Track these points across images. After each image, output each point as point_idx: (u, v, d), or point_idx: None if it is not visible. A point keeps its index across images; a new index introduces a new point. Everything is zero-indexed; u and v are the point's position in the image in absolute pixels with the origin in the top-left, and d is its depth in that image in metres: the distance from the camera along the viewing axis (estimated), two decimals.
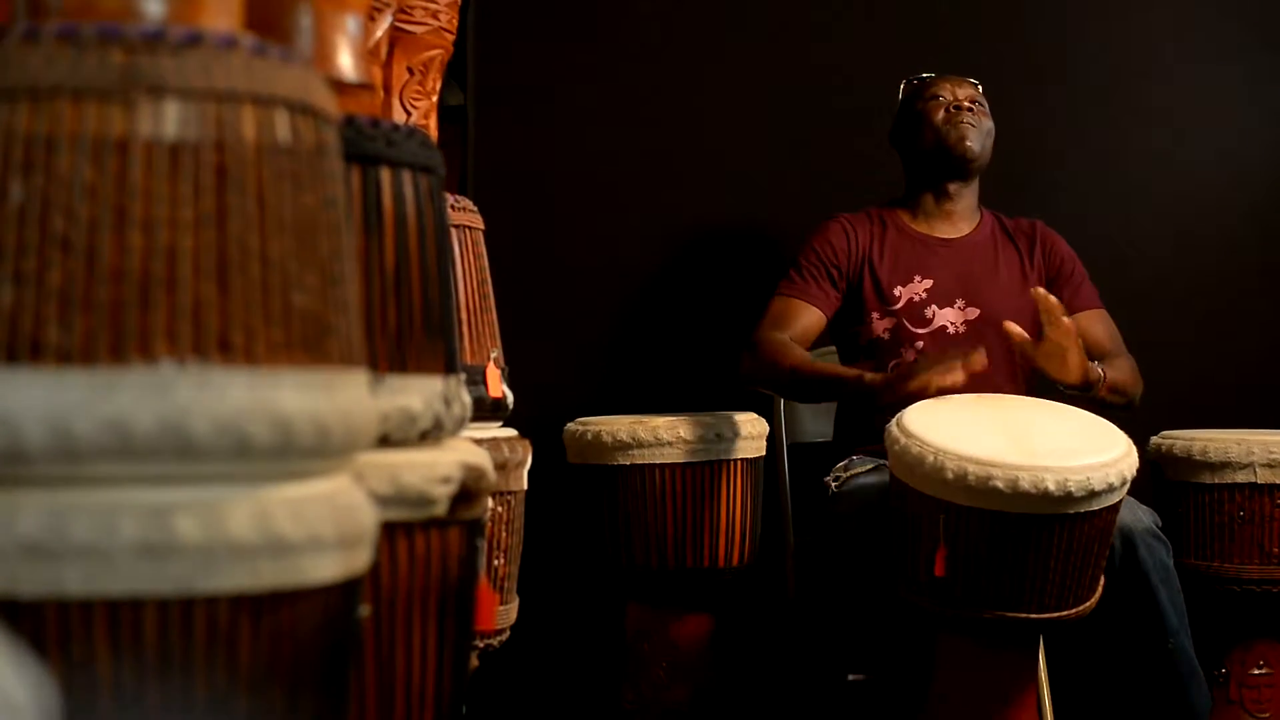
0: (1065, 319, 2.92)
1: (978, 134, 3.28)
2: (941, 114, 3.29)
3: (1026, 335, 2.94)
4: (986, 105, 3.34)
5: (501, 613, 2.61)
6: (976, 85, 3.36)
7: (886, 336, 3.25)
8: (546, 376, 3.75)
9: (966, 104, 3.29)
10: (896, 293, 3.27)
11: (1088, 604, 2.68)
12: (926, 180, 3.36)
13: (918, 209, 3.37)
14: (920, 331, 3.24)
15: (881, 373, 3.04)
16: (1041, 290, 2.94)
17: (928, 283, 3.27)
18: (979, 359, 2.83)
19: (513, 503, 2.62)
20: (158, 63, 1.18)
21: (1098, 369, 3.03)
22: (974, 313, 3.25)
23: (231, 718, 1.17)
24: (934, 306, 3.25)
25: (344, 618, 1.29)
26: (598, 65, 3.97)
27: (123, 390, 1.13)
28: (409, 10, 2.52)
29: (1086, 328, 3.28)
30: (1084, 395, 2.98)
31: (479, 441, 2.16)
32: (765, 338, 3.21)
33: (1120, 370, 3.14)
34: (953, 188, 3.33)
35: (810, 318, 3.26)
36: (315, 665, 1.24)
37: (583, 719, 3.78)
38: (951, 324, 3.24)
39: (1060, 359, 2.92)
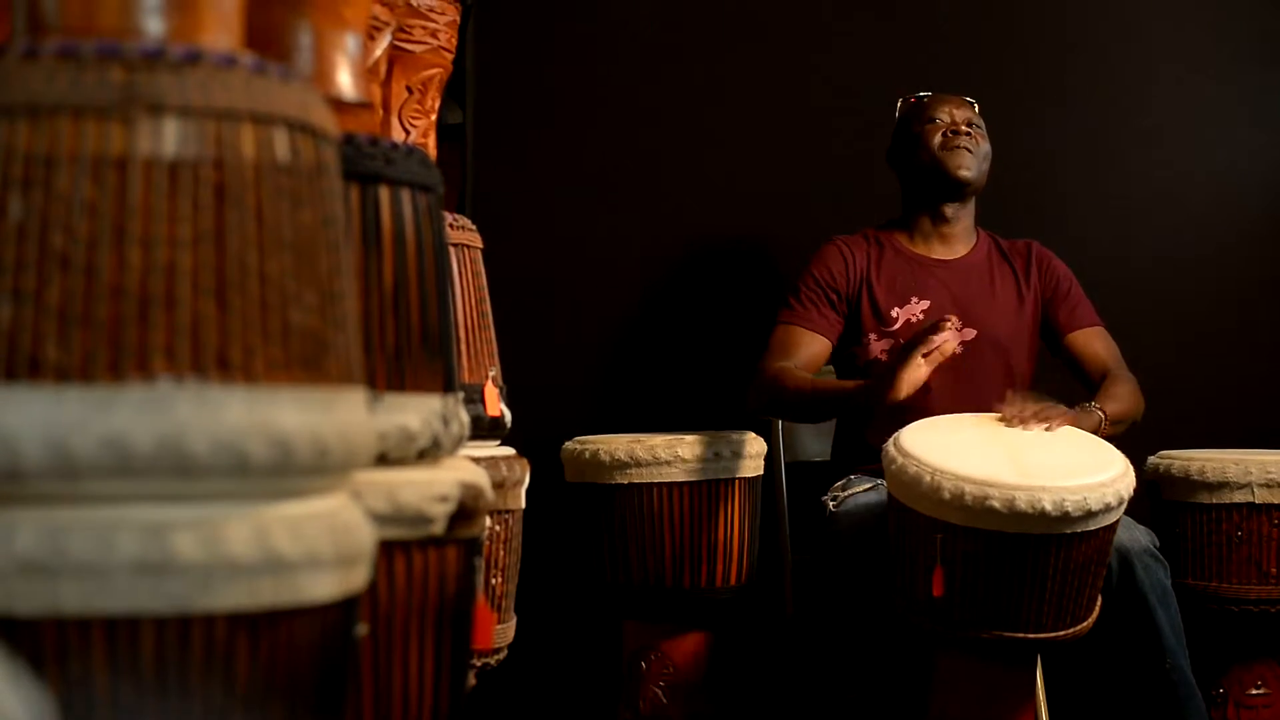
0: (1046, 412, 2.91)
1: (974, 159, 3.28)
2: (939, 138, 3.28)
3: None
4: (984, 126, 3.34)
5: (499, 631, 2.61)
6: (974, 105, 3.36)
7: (884, 358, 3.25)
8: (544, 395, 3.75)
9: (964, 128, 3.28)
10: (894, 314, 3.27)
11: (1085, 624, 2.68)
12: (923, 202, 3.35)
13: (915, 230, 3.37)
14: None
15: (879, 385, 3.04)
16: (1012, 399, 2.91)
17: (925, 304, 3.27)
18: (952, 323, 2.86)
19: (510, 521, 2.62)
20: (157, 81, 1.18)
21: (1095, 412, 3.02)
22: (970, 333, 3.25)
23: None
24: None
25: (341, 636, 1.29)
26: (596, 84, 3.98)
27: (121, 408, 1.13)
28: (408, 29, 2.53)
29: (1086, 345, 3.28)
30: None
31: (477, 460, 2.16)
32: (769, 369, 3.20)
33: (1120, 399, 3.12)
34: (949, 210, 3.33)
35: (815, 345, 3.26)
36: (312, 683, 1.24)
37: None
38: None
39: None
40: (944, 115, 3.31)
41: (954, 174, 3.26)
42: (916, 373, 2.87)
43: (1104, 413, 3.03)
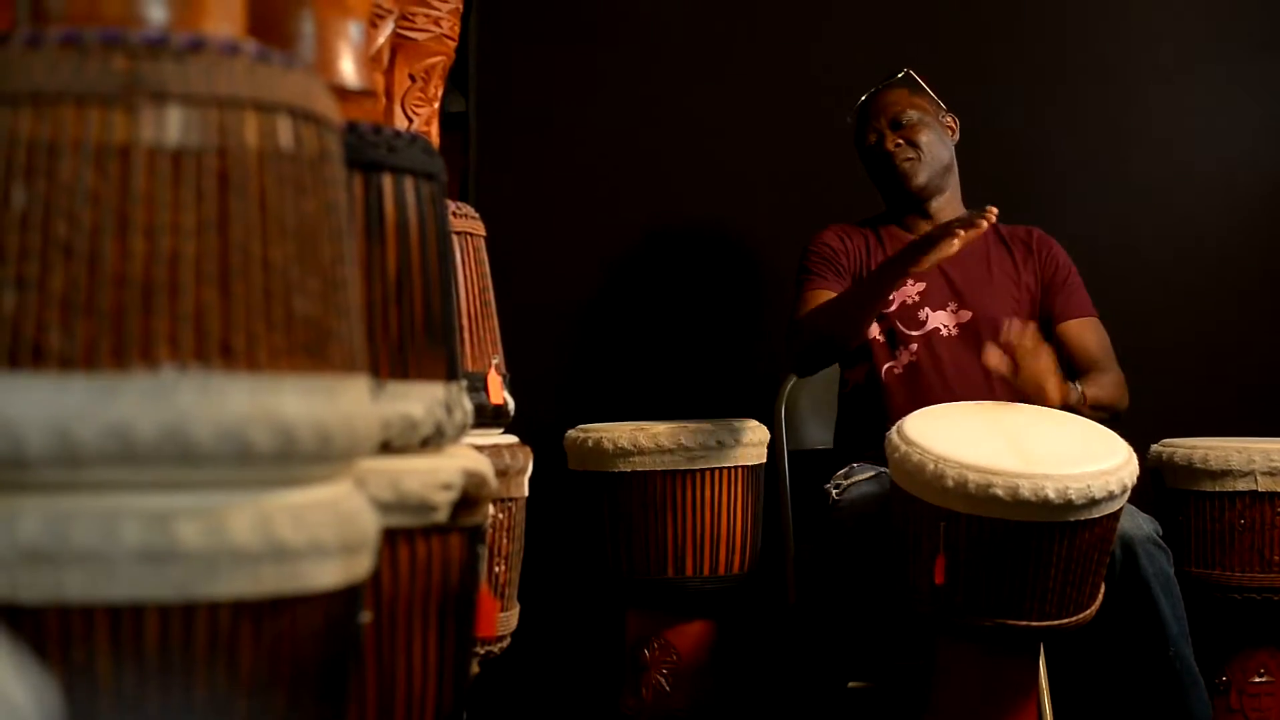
0: (1040, 346, 2.94)
1: (919, 165, 3.30)
2: (879, 160, 3.32)
3: (1003, 367, 2.94)
4: (923, 108, 3.33)
5: (502, 620, 2.61)
6: (906, 88, 3.36)
7: (881, 339, 3.26)
8: (547, 383, 3.75)
9: (892, 143, 3.30)
10: (889, 296, 3.27)
11: (1088, 612, 2.68)
12: (899, 207, 3.38)
13: (905, 220, 3.38)
14: (913, 334, 3.24)
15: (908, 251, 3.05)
16: (1016, 324, 2.95)
17: (920, 286, 3.27)
18: (990, 216, 2.88)
19: (514, 509, 2.62)
20: (161, 68, 1.18)
21: (1075, 390, 3.03)
22: (966, 315, 3.26)
23: None
24: (926, 309, 3.26)
25: (345, 624, 1.29)
26: (598, 72, 3.97)
27: (124, 396, 1.13)
28: (411, 17, 2.53)
29: (1076, 335, 3.29)
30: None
31: (480, 448, 2.16)
32: (800, 317, 3.25)
33: (1102, 387, 3.14)
34: (925, 206, 3.35)
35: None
36: (316, 671, 1.24)
37: None
38: (944, 326, 3.25)
39: (1037, 387, 2.93)
40: (874, 130, 3.34)
41: (908, 187, 3.31)
42: (949, 249, 2.88)
43: (1083, 393, 3.04)
